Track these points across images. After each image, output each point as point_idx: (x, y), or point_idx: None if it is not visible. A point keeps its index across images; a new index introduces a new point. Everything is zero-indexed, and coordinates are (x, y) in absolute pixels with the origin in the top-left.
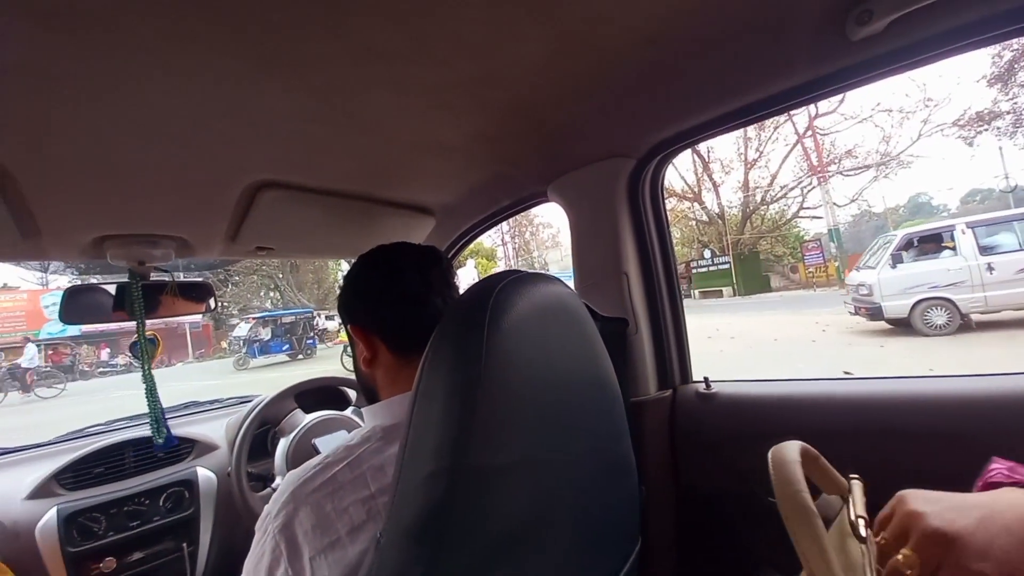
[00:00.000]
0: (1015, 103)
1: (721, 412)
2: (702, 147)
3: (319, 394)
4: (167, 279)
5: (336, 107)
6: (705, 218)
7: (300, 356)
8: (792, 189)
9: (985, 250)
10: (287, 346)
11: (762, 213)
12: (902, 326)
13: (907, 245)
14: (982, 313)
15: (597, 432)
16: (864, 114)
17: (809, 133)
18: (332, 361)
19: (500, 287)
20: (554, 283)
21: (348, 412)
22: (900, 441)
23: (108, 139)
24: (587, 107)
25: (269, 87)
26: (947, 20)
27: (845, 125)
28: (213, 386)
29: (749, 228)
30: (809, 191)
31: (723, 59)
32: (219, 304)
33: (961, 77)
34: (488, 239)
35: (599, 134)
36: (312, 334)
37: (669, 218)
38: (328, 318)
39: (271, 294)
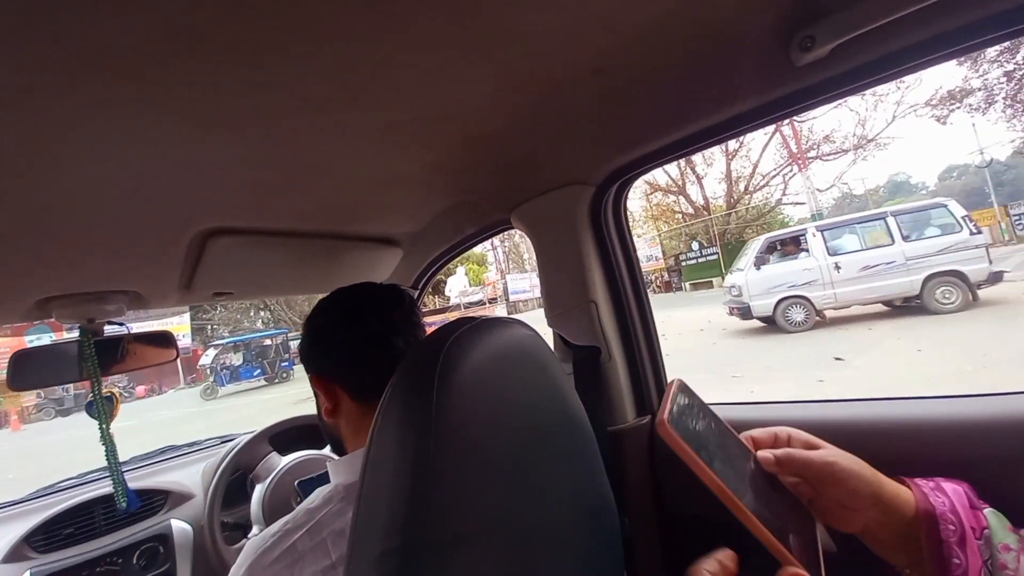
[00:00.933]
0: (985, 79)
1: None
2: None
3: (294, 433)
4: (123, 332)
5: (283, 154)
6: (691, 211)
7: (276, 380)
8: (774, 177)
9: (833, 251)
10: (259, 371)
11: (746, 202)
12: (771, 323)
13: (770, 248)
14: (834, 309)
15: (573, 475)
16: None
17: (787, 121)
18: (303, 383)
19: (451, 340)
20: (511, 327)
21: (327, 451)
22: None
23: (47, 202)
24: (541, 136)
25: (212, 141)
26: (890, 43)
27: (821, 111)
28: (167, 418)
29: (735, 218)
30: (791, 178)
31: (673, 87)
32: (210, 327)
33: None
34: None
35: (555, 162)
36: (287, 356)
37: (655, 214)
38: None
39: (261, 313)
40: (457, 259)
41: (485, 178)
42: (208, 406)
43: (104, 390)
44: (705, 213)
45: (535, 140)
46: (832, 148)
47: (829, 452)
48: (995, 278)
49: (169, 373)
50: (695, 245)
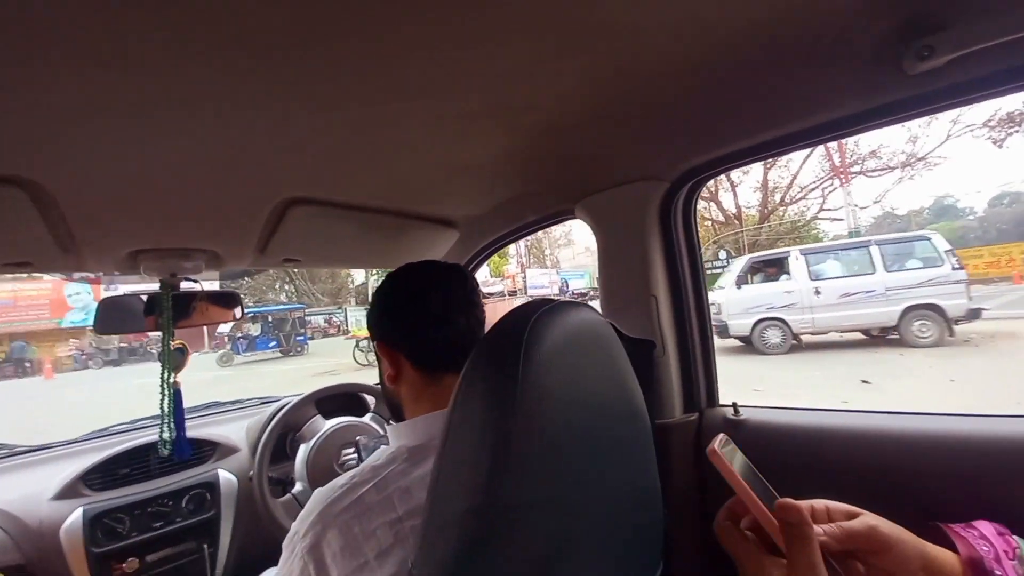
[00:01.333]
0: None
1: (750, 439)
2: None
3: (338, 400)
4: (197, 289)
5: (368, 135)
6: (722, 218)
7: (291, 353)
8: (813, 189)
9: (815, 276)
10: (274, 343)
11: (780, 214)
12: (747, 343)
13: (753, 269)
14: (812, 334)
15: (628, 463)
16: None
17: None
18: (321, 358)
19: (535, 317)
20: (585, 311)
21: (367, 419)
22: (925, 480)
23: (148, 163)
24: (620, 131)
25: (306, 118)
26: (1008, 59)
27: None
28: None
29: (767, 229)
30: (831, 192)
31: (768, 87)
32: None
33: None
34: None
35: (631, 157)
36: (303, 331)
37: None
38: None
39: (286, 287)
40: None
41: (555, 169)
42: (225, 372)
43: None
44: (736, 223)
45: (613, 134)
46: (878, 164)
47: (868, 517)
48: (973, 315)
49: (196, 336)
50: (722, 254)
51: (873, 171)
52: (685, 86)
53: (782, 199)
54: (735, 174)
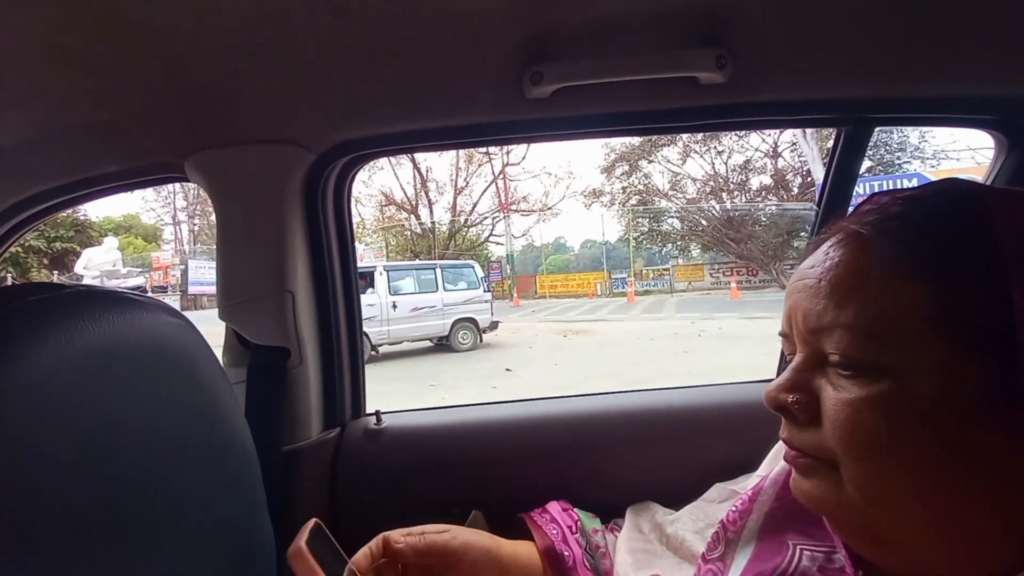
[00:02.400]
0: (611, 188)
1: (393, 448)
2: (421, 166)
3: None
4: None
5: None
6: (419, 231)
7: None
8: (486, 218)
9: (394, 291)
10: None
11: (464, 233)
12: None
13: None
14: (390, 344)
15: (211, 514)
16: (535, 172)
17: (501, 176)
18: None
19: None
20: (141, 310)
21: None
22: (518, 465)
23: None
24: (254, 71)
25: None
26: (603, 105)
27: (524, 176)
28: None
29: (453, 245)
30: (497, 222)
31: (414, 76)
32: None
33: (589, 161)
34: (150, 214)
35: (270, 110)
36: None
37: (378, 227)
38: None
39: None
40: (107, 224)
41: (154, 95)
42: None
43: None
44: (430, 236)
45: (249, 72)
46: (527, 207)
47: (453, 531)
48: (493, 326)
49: None
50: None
51: (524, 211)
52: (329, 43)
53: (465, 221)
54: (433, 193)
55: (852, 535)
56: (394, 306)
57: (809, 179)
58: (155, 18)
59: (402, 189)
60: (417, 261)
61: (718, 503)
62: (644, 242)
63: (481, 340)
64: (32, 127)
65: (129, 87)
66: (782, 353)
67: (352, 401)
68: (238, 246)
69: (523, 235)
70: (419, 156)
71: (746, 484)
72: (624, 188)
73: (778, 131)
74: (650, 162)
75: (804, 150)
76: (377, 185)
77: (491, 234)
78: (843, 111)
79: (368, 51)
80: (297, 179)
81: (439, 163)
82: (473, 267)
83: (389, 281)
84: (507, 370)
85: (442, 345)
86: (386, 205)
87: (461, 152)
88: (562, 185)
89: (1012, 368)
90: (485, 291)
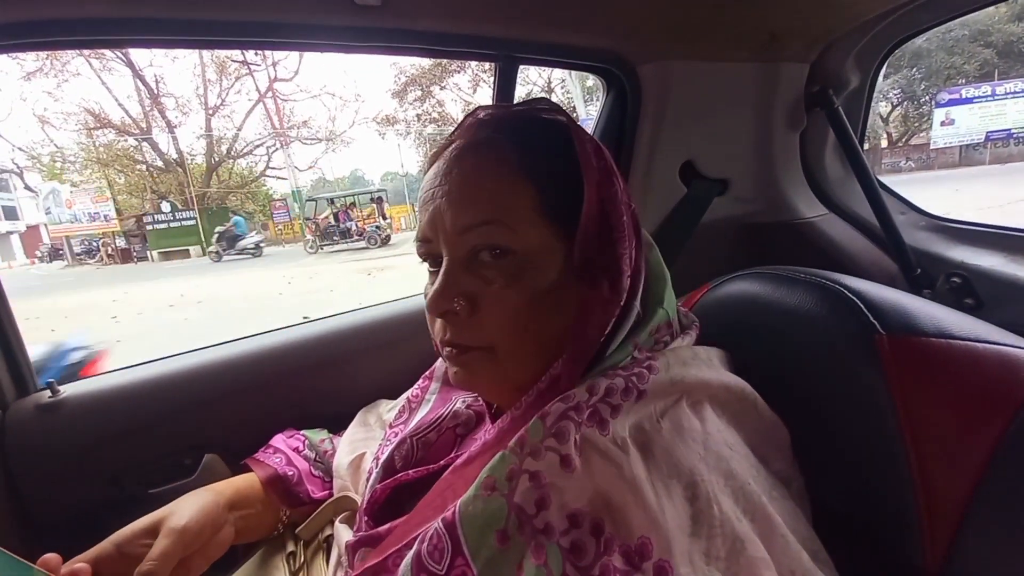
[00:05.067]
0: (406, 114)
1: (75, 420)
2: (149, 76)
3: None
4: None
5: None
6: (161, 164)
7: None
8: (258, 146)
9: None
10: None
11: (229, 167)
12: None
13: None
14: None
15: None
16: (315, 92)
17: (270, 94)
18: None
19: None
20: None
21: None
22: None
23: None
24: None
25: None
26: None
27: (301, 96)
28: None
29: (216, 181)
30: (274, 152)
31: None
32: None
33: (378, 85)
34: None
35: None
36: None
37: (104, 158)
38: None
39: None
40: None
41: None
42: None
43: None
44: (179, 169)
45: None
46: (310, 134)
47: (169, 523)
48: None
49: None
50: (166, 206)
51: (307, 139)
52: None
53: (229, 151)
54: (171, 112)
55: (498, 393)
56: None
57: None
58: None
59: (120, 106)
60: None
61: None
62: None
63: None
64: None
65: None
66: None
67: (14, 377)
68: None
69: (310, 167)
70: (142, 59)
71: None
72: (419, 116)
73: (528, 67)
74: (442, 88)
75: (570, 87)
76: (74, 100)
77: (268, 167)
78: (494, 48)
79: None
80: None
81: (175, 75)
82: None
83: None
84: (304, 318)
85: None
86: (96, 128)
87: (208, 58)
88: (350, 109)
89: (576, 244)
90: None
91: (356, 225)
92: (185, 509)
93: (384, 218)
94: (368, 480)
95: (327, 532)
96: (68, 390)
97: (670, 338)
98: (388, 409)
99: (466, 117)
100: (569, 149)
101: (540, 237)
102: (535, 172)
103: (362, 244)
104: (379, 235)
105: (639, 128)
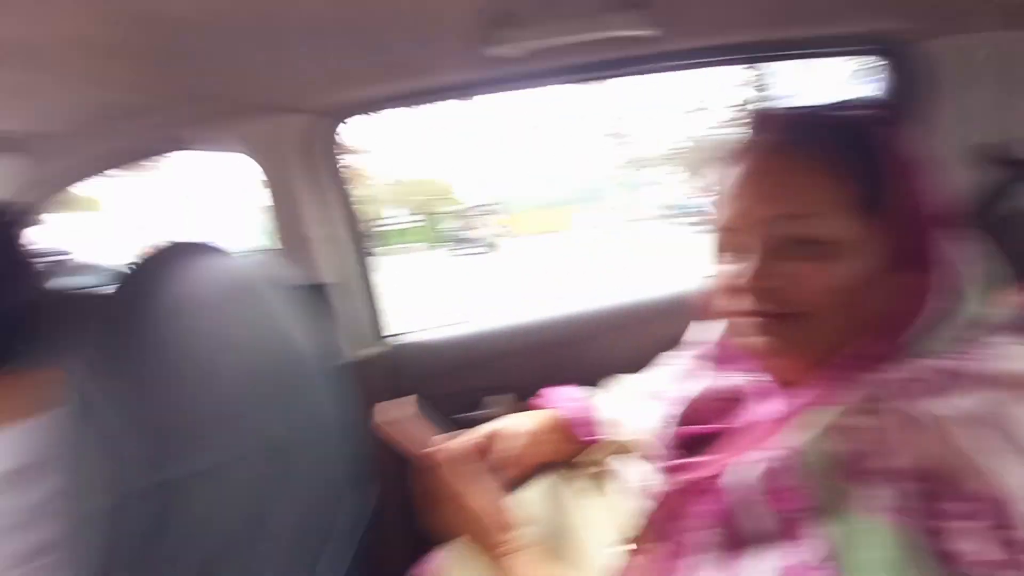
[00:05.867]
0: None
1: (412, 362)
2: None
3: None
4: None
5: None
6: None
7: None
8: None
9: None
10: None
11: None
12: None
13: None
14: None
15: (312, 410)
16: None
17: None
18: None
19: (162, 266)
20: (228, 256)
21: None
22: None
23: None
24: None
25: None
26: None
27: None
28: None
29: None
30: None
31: (384, 42)
32: None
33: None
34: None
35: (283, 82)
36: None
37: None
38: None
39: None
40: None
41: (173, 74)
42: None
43: None
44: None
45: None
46: None
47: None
48: None
49: None
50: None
51: None
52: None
53: None
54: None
55: (800, 364)
56: None
57: None
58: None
59: None
60: None
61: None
62: None
63: None
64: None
65: (140, 64)
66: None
67: (373, 325)
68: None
69: None
70: None
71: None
72: None
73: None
74: None
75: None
76: None
77: None
78: (750, 52)
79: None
80: (321, 140)
81: None
82: None
83: None
84: None
85: None
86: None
87: None
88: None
89: (890, 235)
90: None
91: None
92: (519, 422)
93: None
94: (662, 427)
95: (598, 468)
96: (406, 339)
97: (990, 333)
98: (638, 381)
99: (767, 116)
100: (874, 141)
101: (850, 228)
102: (843, 167)
103: None
104: None
105: (932, 109)
